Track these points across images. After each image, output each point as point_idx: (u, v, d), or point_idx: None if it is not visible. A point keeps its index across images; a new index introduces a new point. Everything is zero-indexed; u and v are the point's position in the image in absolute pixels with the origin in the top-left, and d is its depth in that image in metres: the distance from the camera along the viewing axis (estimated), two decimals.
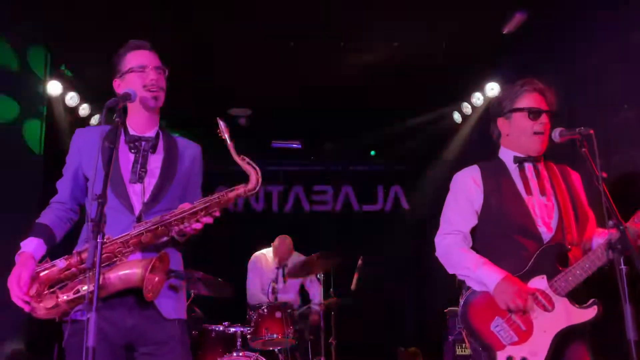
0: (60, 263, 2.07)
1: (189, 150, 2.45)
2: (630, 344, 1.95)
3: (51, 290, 2.06)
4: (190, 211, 2.17)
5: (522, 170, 2.53)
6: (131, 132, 2.36)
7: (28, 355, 4.87)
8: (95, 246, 1.84)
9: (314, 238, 6.42)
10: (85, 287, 1.99)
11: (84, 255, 2.07)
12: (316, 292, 5.42)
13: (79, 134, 2.41)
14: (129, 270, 2.02)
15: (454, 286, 2.69)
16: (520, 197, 2.48)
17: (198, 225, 2.18)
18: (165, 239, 2.20)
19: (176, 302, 2.28)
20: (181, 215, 2.16)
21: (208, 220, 2.19)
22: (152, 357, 2.19)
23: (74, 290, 2.02)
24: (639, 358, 1.93)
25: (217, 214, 2.21)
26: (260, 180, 2.22)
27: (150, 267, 2.00)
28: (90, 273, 1.83)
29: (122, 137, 2.34)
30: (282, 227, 6.00)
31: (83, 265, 2.06)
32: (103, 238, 1.87)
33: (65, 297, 2.02)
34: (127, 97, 2.23)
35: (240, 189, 2.22)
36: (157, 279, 2.09)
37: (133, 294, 2.11)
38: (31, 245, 2.17)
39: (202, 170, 2.50)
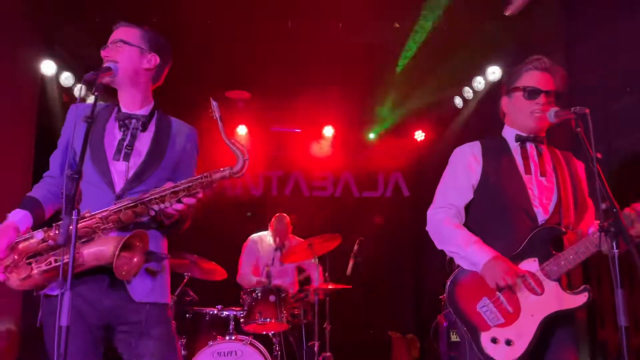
0: (38, 234, 2.04)
1: (183, 132, 2.39)
2: (622, 329, 1.89)
3: (27, 261, 2.02)
4: (171, 190, 2.11)
5: (523, 149, 2.46)
6: (123, 109, 2.32)
7: (21, 334, 4.87)
8: (69, 222, 1.81)
9: (312, 222, 6.35)
10: (58, 259, 1.95)
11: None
12: (315, 276, 5.34)
13: (74, 108, 2.37)
14: (102, 247, 1.97)
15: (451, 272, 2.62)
16: (519, 175, 2.41)
17: (179, 206, 2.11)
18: (145, 218, 2.14)
19: (153, 285, 2.21)
20: (162, 194, 2.10)
21: (190, 201, 2.13)
22: (130, 336, 2.15)
23: (47, 262, 1.97)
24: (629, 343, 1.88)
25: (200, 195, 2.15)
26: (247, 163, 2.15)
27: (121, 244, 1.94)
28: (64, 248, 1.80)
29: (114, 114, 2.32)
30: (280, 210, 5.93)
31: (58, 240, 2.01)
32: (78, 214, 1.86)
33: (38, 269, 1.98)
34: (107, 70, 2.19)
35: (225, 171, 2.16)
36: (135, 259, 2.02)
37: (109, 273, 2.06)
38: (17, 216, 2.13)
39: (196, 153, 2.44)
